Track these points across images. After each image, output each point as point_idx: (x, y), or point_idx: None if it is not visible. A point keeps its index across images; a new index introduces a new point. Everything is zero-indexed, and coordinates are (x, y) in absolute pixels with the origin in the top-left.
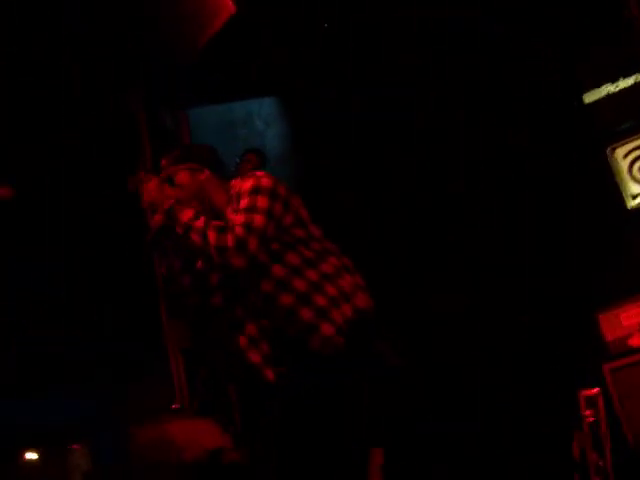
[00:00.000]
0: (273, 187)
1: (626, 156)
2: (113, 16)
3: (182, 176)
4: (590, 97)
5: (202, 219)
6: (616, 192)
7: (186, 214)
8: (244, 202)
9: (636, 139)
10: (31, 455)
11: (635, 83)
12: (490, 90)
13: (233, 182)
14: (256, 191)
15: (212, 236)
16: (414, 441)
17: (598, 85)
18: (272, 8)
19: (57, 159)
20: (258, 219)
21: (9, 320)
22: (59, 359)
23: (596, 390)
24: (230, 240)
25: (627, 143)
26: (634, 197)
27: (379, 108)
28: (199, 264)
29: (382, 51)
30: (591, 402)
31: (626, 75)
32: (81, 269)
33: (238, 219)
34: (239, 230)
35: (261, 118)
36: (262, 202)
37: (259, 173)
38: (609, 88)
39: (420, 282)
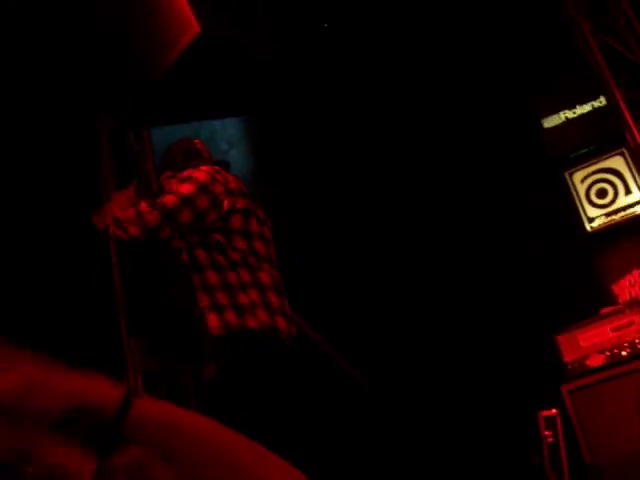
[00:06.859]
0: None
1: (583, 180)
2: (77, 36)
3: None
4: (549, 122)
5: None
6: (574, 216)
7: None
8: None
9: (593, 164)
10: None
11: (592, 109)
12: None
13: None
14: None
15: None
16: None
17: (556, 111)
18: (238, 28)
19: (22, 179)
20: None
21: None
22: None
23: (554, 411)
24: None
25: (584, 168)
26: (592, 220)
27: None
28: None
29: None
30: (550, 422)
31: (583, 102)
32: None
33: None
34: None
35: (224, 139)
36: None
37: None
38: (567, 114)
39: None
